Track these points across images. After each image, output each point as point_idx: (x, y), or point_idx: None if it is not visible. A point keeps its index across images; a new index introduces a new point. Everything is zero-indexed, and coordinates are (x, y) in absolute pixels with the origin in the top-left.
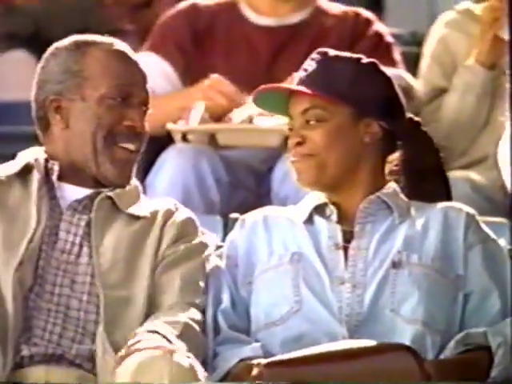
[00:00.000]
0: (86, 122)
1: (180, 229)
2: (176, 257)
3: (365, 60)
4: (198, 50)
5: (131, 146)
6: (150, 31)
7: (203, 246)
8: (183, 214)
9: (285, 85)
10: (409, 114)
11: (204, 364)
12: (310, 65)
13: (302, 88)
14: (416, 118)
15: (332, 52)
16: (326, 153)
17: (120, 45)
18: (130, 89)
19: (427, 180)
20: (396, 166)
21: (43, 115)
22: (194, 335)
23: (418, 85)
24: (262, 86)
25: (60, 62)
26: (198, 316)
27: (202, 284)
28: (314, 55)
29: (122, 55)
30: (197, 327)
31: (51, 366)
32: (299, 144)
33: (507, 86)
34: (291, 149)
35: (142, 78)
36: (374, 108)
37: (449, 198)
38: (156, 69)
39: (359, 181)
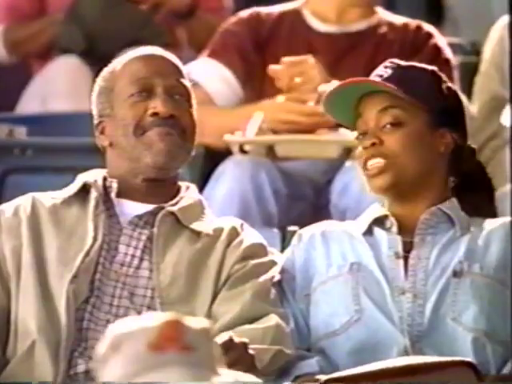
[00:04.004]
0: (118, 128)
1: (247, 249)
2: (246, 270)
3: (439, 72)
4: (260, 57)
5: (160, 130)
6: (196, 40)
7: (273, 263)
8: (250, 234)
9: (367, 78)
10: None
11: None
12: (384, 71)
13: (388, 84)
14: (473, 146)
15: (405, 63)
16: (402, 158)
17: (143, 49)
18: (151, 81)
19: (476, 197)
20: (453, 182)
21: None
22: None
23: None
24: (343, 82)
25: (96, 86)
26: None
27: (273, 296)
28: (387, 63)
29: (141, 56)
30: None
31: None
32: (374, 145)
33: None
34: (365, 151)
35: (168, 68)
36: (449, 118)
37: (495, 213)
38: (216, 75)
39: (426, 193)
